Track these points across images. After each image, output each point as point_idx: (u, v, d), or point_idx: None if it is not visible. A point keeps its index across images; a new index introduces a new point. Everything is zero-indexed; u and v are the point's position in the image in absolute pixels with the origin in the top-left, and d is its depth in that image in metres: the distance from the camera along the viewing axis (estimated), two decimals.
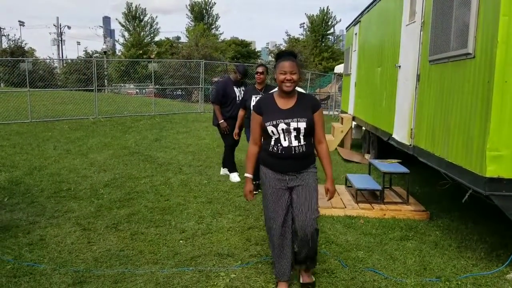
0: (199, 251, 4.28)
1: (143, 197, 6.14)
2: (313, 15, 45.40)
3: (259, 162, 3.40)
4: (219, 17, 49.03)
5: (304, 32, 46.39)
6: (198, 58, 27.22)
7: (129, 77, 29.48)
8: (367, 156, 9.63)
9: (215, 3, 48.33)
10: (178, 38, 52.66)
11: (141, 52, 43.13)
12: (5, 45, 40.84)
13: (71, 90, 22.35)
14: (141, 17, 45.38)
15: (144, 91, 29.27)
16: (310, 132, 3.23)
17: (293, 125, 3.17)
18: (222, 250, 4.29)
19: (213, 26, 48.21)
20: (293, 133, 3.18)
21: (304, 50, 38.22)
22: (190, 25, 47.49)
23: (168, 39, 47.39)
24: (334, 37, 46.25)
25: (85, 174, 7.40)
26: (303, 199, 3.30)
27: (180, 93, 26.32)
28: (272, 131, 3.21)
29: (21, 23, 59.81)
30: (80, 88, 21.86)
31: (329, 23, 45.15)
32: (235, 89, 6.95)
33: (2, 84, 27.56)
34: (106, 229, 4.86)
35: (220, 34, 48.68)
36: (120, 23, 45.14)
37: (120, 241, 4.51)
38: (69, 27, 56.40)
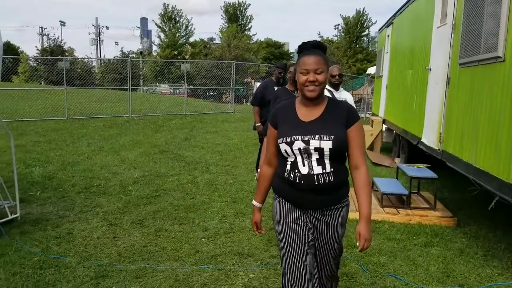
0: (220, 250, 4.32)
1: (169, 194, 6.24)
2: (348, 16, 44.99)
3: (275, 191, 2.54)
4: (253, 18, 49.28)
5: (339, 34, 46.01)
6: (229, 59, 27.42)
7: (163, 77, 30.04)
8: (397, 160, 9.47)
9: (249, 5, 48.68)
10: (213, 39, 53.22)
11: (176, 52, 43.82)
12: (45, 44, 42.30)
13: (107, 89, 22.94)
14: (177, 18, 46.10)
15: (177, 91, 29.71)
16: (339, 154, 2.31)
17: (314, 144, 2.27)
18: (243, 250, 4.32)
19: (246, 27, 48.45)
20: (315, 155, 2.29)
21: (337, 52, 37.90)
22: (224, 26, 47.89)
23: (202, 40, 47.96)
24: (368, 39, 45.64)
25: (115, 171, 7.59)
26: (323, 259, 2.50)
27: (212, 93, 26.58)
28: (285, 151, 2.34)
29: (62, 23, 61.76)
30: (115, 87, 22.41)
31: (365, 24, 44.62)
32: (275, 88, 6.50)
33: (42, 82, 28.55)
34: (131, 225, 4.97)
35: (253, 35, 48.94)
36: (156, 24, 46.02)
37: (144, 237, 4.61)
38: (107, 28, 58.03)
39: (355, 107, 5.26)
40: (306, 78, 2.30)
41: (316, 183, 2.31)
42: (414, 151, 7.89)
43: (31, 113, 14.57)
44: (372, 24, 45.02)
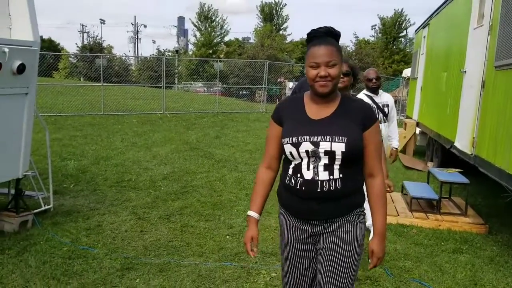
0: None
1: (197, 191, 6.33)
2: (386, 16, 44.25)
3: (278, 198, 2.24)
4: (289, 18, 49.14)
5: (375, 34, 45.32)
6: (263, 58, 27.48)
7: (198, 76, 30.41)
8: (430, 164, 9.27)
9: (285, 4, 48.51)
10: (248, 38, 53.43)
11: (210, 51, 44.27)
12: (85, 41, 43.56)
13: (143, 86, 23.41)
14: (213, 18, 46.55)
15: (211, 89, 30.03)
16: (352, 159, 2.03)
17: (324, 146, 1.98)
18: (266, 249, 4.33)
19: (282, 27, 48.40)
20: (324, 160, 2.00)
21: (373, 52, 37.34)
22: (259, 26, 48.01)
23: (237, 39, 48.25)
24: (406, 40, 44.76)
25: (146, 166, 7.75)
26: (330, 271, 2.09)
27: (245, 92, 26.72)
28: (291, 153, 2.04)
29: (102, 21, 63.49)
30: (150, 85, 22.86)
31: (402, 25, 43.79)
32: None
33: (82, 78, 29.42)
34: (159, 220, 5.07)
35: (289, 34, 48.77)
36: (193, 23, 46.63)
37: (170, 232, 4.70)
38: (145, 26, 59.29)
39: (395, 109, 5.00)
40: (317, 73, 1.99)
41: (318, 190, 2.01)
42: (448, 156, 7.70)
43: (69, 108, 15.04)
44: (410, 25, 44.14)
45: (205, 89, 31.00)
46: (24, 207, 4.72)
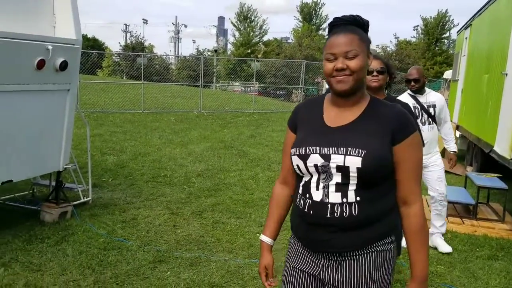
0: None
1: (230, 189, 6.41)
2: (430, 17, 43.14)
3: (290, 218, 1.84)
4: (328, 18, 48.72)
5: (417, 35, 44.28)
6: (300, 58, 27.40)
7: (236, 75, 30.65)
8: (469, 168, 9.00)
9: (324, 4, 48.13)
10: (287, 38, 53.38)
11: (249, 51, 44.49)
12: (128, 41, 44.71)
13: (181, 85, 23.83)
14: (252, 18, 46.77)
15: (248, 89, 30.20)
16: (373, 179, 1.60)
17: (336, 160, 1.59)
18: None
19: (321, 27, 48.06)
20: (336, 177, 1.61)
21: (414, 53, 36.52)
22: (298, 26, 47.86)
23: (275, 39, 48.28)
24: (449, 41, 43.51)
25: (182, 163, 7.91)
26: None
27: (282, 92, 26.72)
28: (298, 167, 1.68)
29: (145, 21, 65.03)
30: (189, 84, 23.23)
31: (446, 26, 42.57)
32: None
33: (124, 76, 30.24)
34: (191, 215, 5.18)
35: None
36: (232, 23, 46.99)
37: (202, 228, 4.79)
38: (185, 26, 60.20)
39: (446, 110, 4.56)
40: (333, 66, 1.61)
41: (328, 215, 1.60)
42: (488, 160, 7.46)
43: (111, 105, 15.51)
44: (454, 25, 42.83)
45: (242, 88, 31.20)
46: (64, 199, 4.93)
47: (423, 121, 4.45)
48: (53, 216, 4.70)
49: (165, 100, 17.69)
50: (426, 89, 4.56)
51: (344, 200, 1.60)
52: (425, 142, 3.97)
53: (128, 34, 49.28)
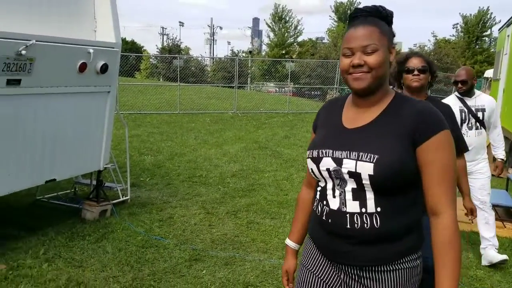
0: None
1: (264, 189, 6.44)
2: (470, 14, 41.90)
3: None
4: None
5: (456, 33, 43.09)
6: (335, 58, 27.17)
7: (270, 76, 30.69)
8: (511, 170, 8.70)
9: (360, 3, 47.53)
10: (322, 38, 53.04)
11: (283, 52, 44.46)
12: (165, 43, 45.56)
13: (216, 86, 24.08)
14: (287, 18, 46.73)
15: (282, 89, 30.19)
16: (391, 186, 1.44)
17: (348, 165, 1.47)
18: None
19: None
20: (350, 183, 1.48)
21: (453, 52, 35.55)
22: (333, 26, 47.48)
23: (310, 39, 48.05)
24: (490, 39, 42.09)
25: (217, 164, 8.00)
26: None
27: (316, 93, 26.57)
28: (312, 171, 1.59)
29: (181, 24, 66.05)
30: (223, 85, 23.44)
31: (487, 24, 41.23)
32: None
33: (161, 78, 30.84)
34: (226, 215, 5.24)
35: None
36: (267, 24, 47.09)
37: (236, 228, 4.84)
38: (221, 28, 60.82)
39: (497, 114, 4.22)
40: (350, 62, 1.47)
41: (348, 226, 1.48)
42: None
43: (148, 106, 15.85)
44: (495, 23, 41.42)
45: (277, 89, 31.21)
46: (104, 197, 5.09)
47: (470, 125, 4.17)
48: (93, 214, 4.85)
49: (200, 101, 17.92)
50: (476, 91, 4.26)
51: (363, 209, 1.46)
52: (470, 147, 3.73)
53: (165, 37, 50.25)
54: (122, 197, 5.44)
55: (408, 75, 2.76)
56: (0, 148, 3.80)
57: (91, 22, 4.64)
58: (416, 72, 2.75)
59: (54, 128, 4.27)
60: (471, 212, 3.03)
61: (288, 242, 1.84)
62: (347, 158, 1.47)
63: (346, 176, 1.47)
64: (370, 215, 1.46)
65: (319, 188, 1.60)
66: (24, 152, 4.03)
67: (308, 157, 1.59)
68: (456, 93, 4.30)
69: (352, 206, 1.47)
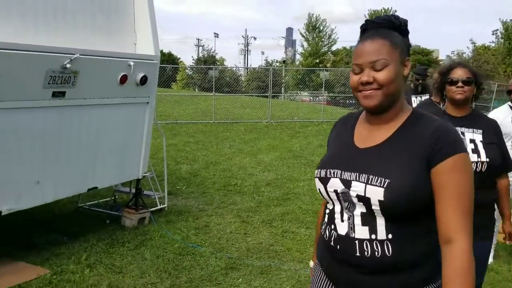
0: None
1: (299, 198, 6.44)
2: (510, 20, 40.62)
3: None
4: None
5: (496, 40, 41.85)
6: None
7: (304, 85, 30.70)
8: None
9: (395, 11, 46.95)
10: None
11: (317, 61, 44.38)
12: (200, 54, 46.33)
13: (251, 95, 24.27)
14: (321, 28, 46.68)
15: (317, 98, 30.09)
16: (404, 214, 1.34)
17: (357, 188, 1.37)
18: None
19: None
20: (359, 207, 1.39)
21: (493, 59, 34.52)
22: None
23: (344, 48, 47.77)
24: None
25: (251, 172, 8.05)
26: None
27: (351, 101, 26.34)
28: (319, 191, 1.50)
29: (216, 35, 67.01)
30: (258, 94, 23.59)
31: None
32: (413, 98, 5.87)
33: (196, 88, 31.34)
34: (261, 224, 5.27)
35: None
36: (301, 33, 47.18)
37: (271, 237, 4.86)
38: (255, 38, 61.25)
39: None
40: (358, 79, 1.40)
41: (357, 254, 1.38)
42: None
43: (184, 116, 16.15)
44: None
45: (311, 98, 31.14)
46: (143, 205, 5.22)
47: None
48: (132, 221, 4.98)
49: (235, 111, 18.10)
50: None
51: (373, 236, 1.36)
52: None
53: (201, 48, 51.08)
54: (160, 205, 5.56)
55: (451, 86, 2.54)
56: (46, 157, 3.98)
57: (132, 36, 4.80)
58: (460, 84, 2.53)
59: (96, 138, 4.44)
60: (510, 237, 2.80)
61: (312, 264, 1.72)
62: (356, 180, 1.37)
63: (355, 200, 1.37)
64: (381, 242, 1.35)
65: (327, 211, 1.51)
66: (68, 161, 4.20)
67: (316, 177, 1.50)
68: (510, 102, 4.10)
69: (361, 232, 1.38)
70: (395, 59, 1.38)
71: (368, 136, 1.46)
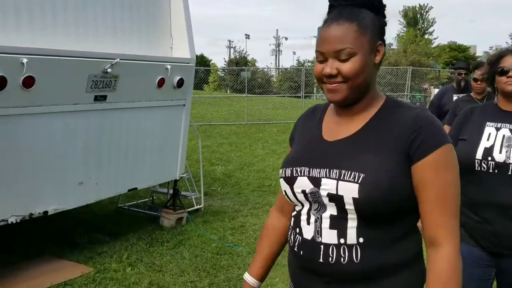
0: None
1: None
2: None
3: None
4: (435, 22, 46.42)
5: None
6: (405, 65, 26.41)
7: None
8: None
9: (431, 7, 45.99)
10: (390, 44, 51.79)
11: None
12: (232, 56, 46.70)
13: (283, 96, 24.28)
14: None
15: None
16: (381, 214, 1.17)
17: (327, 185, 1.20)
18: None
19: (427, 31, 45.96)
20: (330, 209, 1.21)
21: None
22: (402, 31, 46.24)
23: None
24: None
25: None
26: None
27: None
28: (286, 193, 1.32)
29: (247, 36, 67.33)
30: (290, 95, 23.58)
31: None
32: (454, 97, 5.23)
33: (228, 90, 31.61)
34: None
35: (435, 38, 46.06)
36: None
37: None
38: (286, 38, 61.28)
39: None
40: (322, 69, 1.21)
41: (320, 260, 1.21)
42: None
43: (217, 117, 16.33)
44: None
45: None
46: (180, 206, 5.32)
47: None
48: (170, 221, 5.09)
49: (267, 112, 18.16)
50: None
51: (342, 240, 1.18)
52: None
53: (232, 50, 51.48)
54: (196, 205, 5.66)
55: (501, 77, 2.18)
56: (88, 159, 4.13)
57: (168, 40, 4.92)
58: (511, 73, 2.16)
59: (136, 140, 4.56)
60: None
61: (247, 277, 1.50)
62: (326, 177, 1.19)
63: (326, 200, 1.19)
64: (350, 247, 1.17)
65: (294, 213, 1.32)
66: (109, 162, 4.34)
67: (281, 177, 1.31)
68: None
69: (329, 236, 1.19)
70: (363, 46, 1.19)
71: (338, 128, 1.28)
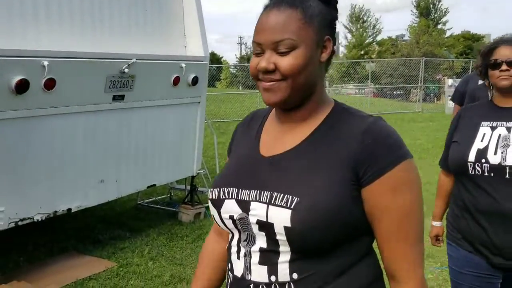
0: None
1: None
2: None
3: None
4: (448, 12, 45.82)
5: None
6: (418, 56, 26.19)
7: (349, 78, 30.33)
8: None
9: None
10: (402, 36, 51.34)
11: (362, 52, 43.67)
12: (243, 52, 46.75)
13: None
14: (365, 18, 45.89)
15: (363, 91, 29.67)
16: (321, 244, 0.95)
17: (257, 210, 0.98)
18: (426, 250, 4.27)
19: (440, 21, 45.41)
20: (259, 240, 1.00)
21: None
22: (414, 22, 45.77)
23: (390, 37, 46.72)
24: None
25: None
26: None
27: (399, 92, 25.81)
28: (214, 218, 1.11)
29: None
30: None
31: None
32: (479, 82, 5.28)
33: (240, 86, 31.68)
34: None
35: (448, 29, 45.47)
36: (344, 25, 46.58)
37: None
38: None
39: None
40: (258, 62, 1.00)
41: None
42: None
43: (230, 114, 16.43)
44: None
45: (357, 91, 30.71)
46: (198, 201, 5.43)
47: None
48: (189, 216, 5.20)
49: None
50: None
51: (273, 278, 0.98)
52: None
53: (243, 46, 51.49)
54: None
55: (494, 71, 1.94)
56: (108, 157, 4.24)
57: (182, 38, 5.00)
58: (504, 67, 1.90)
59: (153, 138, 4.67)
60: None
61: None
62: (256, 200, 0.99)
63: (255, 229, 0.99)
64: (282, 285, 0.98)
65: (228, 244, 1.11)
66: (128, 160, 4.45)
67: (209, 199, 1.11)
68: None
69: (258, 273, 1.00)
70: (307, 38, 0.98)
71: (277, 140, 1.07)
